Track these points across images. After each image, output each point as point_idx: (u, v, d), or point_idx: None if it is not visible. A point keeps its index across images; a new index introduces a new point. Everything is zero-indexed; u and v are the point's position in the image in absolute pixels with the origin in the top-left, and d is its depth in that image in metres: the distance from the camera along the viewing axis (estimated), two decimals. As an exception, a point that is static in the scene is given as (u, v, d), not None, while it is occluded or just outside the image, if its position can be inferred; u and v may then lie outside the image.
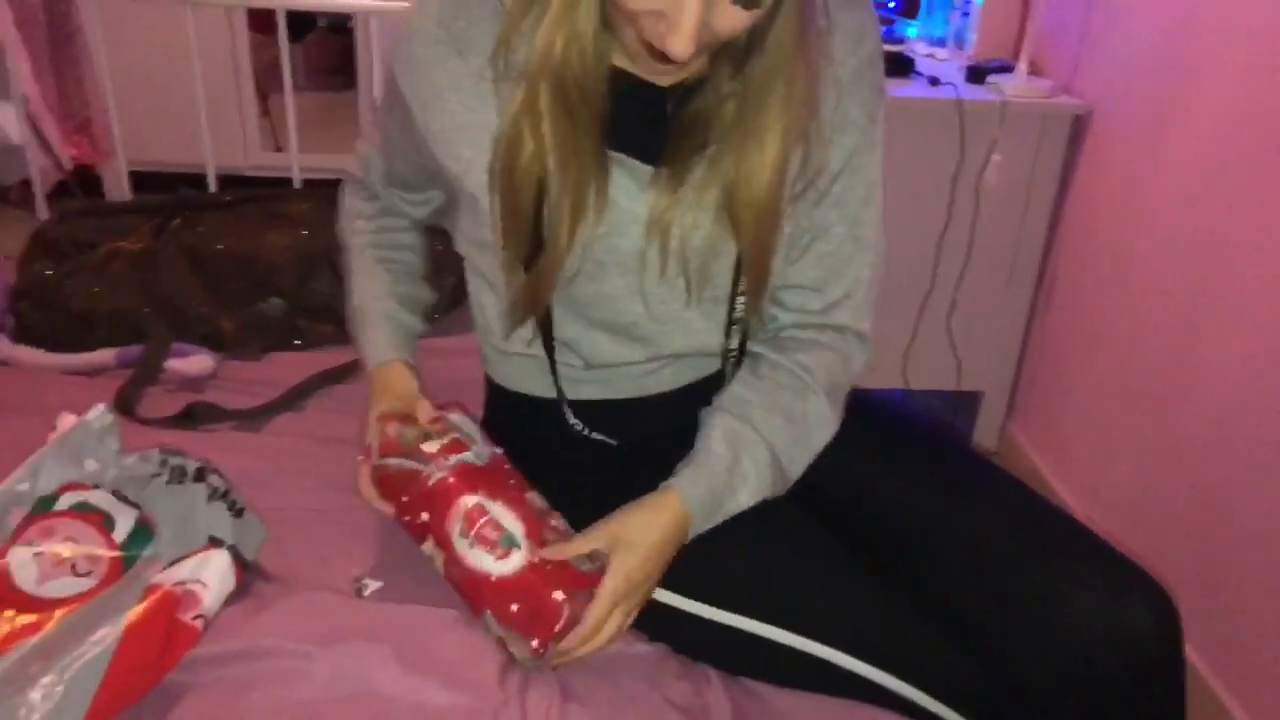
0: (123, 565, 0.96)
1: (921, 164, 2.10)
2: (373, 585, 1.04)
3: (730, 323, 1.00)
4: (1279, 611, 1.50)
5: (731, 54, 0.88)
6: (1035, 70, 2.14)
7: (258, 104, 3.32)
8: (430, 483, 0.93)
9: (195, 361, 1.44)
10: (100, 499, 0.97)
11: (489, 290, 1.05)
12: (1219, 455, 1.64)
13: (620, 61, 0.90)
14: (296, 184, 2.02)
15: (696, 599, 0.95)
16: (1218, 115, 1.68)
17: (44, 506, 0.96)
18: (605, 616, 0.89)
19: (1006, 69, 2.15)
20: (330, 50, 4.15)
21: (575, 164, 0.88)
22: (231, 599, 0.97)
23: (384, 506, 0.98)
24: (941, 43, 2.38)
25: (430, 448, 0.95)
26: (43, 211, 1.99)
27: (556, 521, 0.95)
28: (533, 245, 0.92)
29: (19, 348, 1.47)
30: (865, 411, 1.05)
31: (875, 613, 0.96)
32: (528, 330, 1.01)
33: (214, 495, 1.01)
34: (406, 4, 0.96)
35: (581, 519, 1.02)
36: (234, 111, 3.25)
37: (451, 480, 0.93)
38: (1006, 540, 0.94)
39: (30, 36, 2.84)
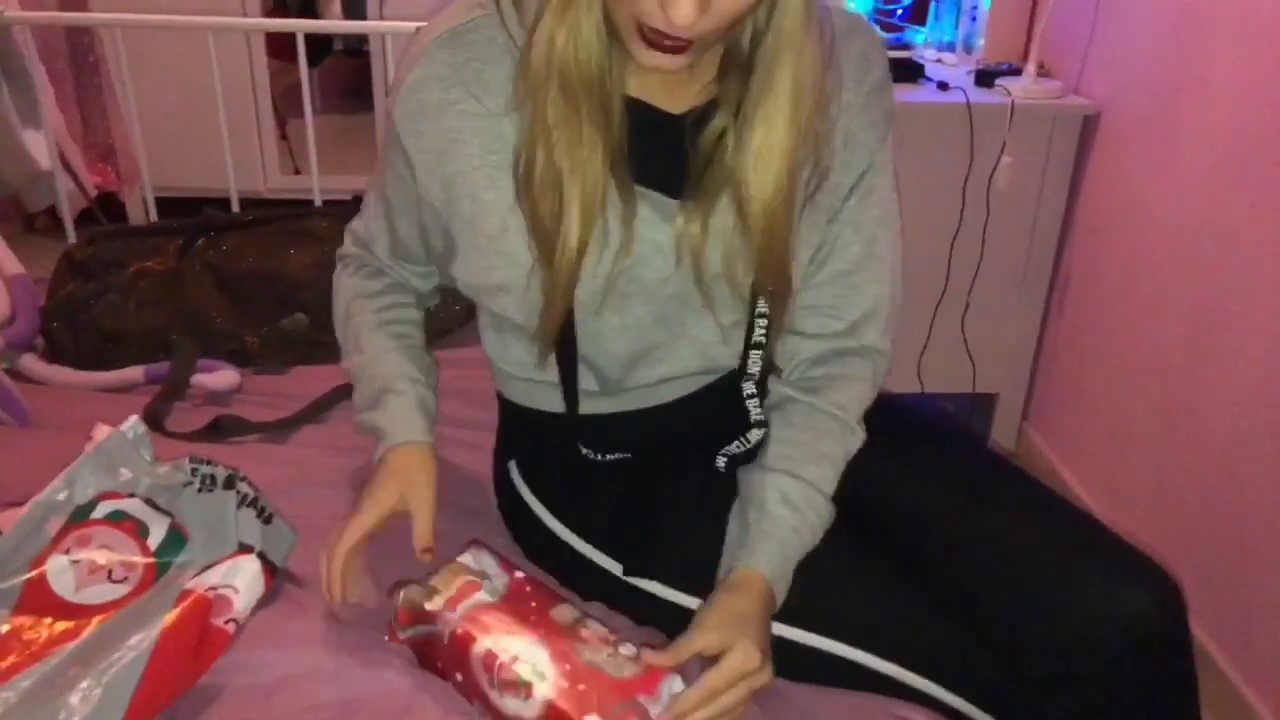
0: (156, 572, 0.98)
1: (932, 168, 2.11)
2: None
3: (749, 346, 1.00)
4: (1301, 604, 1.50)
5: (739, 69, 0.88)
6: (1044, 72, 2.15)
7: (276, 129, 3.37)
8: (445, 641, 0.88)
9: (221, 377, 1.47)
10: (134, 507, 0.99)
11: (510, 330, 1.02)
12: (1235, 452, 1.63)
13: (634, 90, 0.90)
14: (317, 205, 2.05)
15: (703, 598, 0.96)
16: (1226, 112, 1.68)
17: (81, 515, 0.98)
18: (725, 688, 0.83)
19: (1015, 72, 2.16)
20: (347, 74, 4.21)
21: (584, 169, 0.86)
22: (261, 604, 0.99)
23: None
24: (950, 47, 2.40)
25: (436, 605, 0.90)
26: (71, 237, 2.03)
27: (590, 630, 0.89)
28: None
29: (51, 367, 1.51)
30: (877, 409, 1.06)
31: (892, 608, 0.97)
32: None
33: (243, 502, 1.03)
34: (424, 24, 0.97)
35: (602, 529, 1.04)
36: (253, 136, 3.29)
37: (460, 631, 0.87)
38: (1012, 531, 0.95)
39: (53, 67, 2.90)
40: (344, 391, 1.45)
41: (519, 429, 1.12)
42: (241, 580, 0.97)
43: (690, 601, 0.97)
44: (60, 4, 2.92)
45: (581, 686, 0.82)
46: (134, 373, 1.49)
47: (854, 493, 1.02)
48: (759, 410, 1.02)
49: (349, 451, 1.32)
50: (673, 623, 0.98)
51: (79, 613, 0.93)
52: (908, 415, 1.11)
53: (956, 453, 1.07)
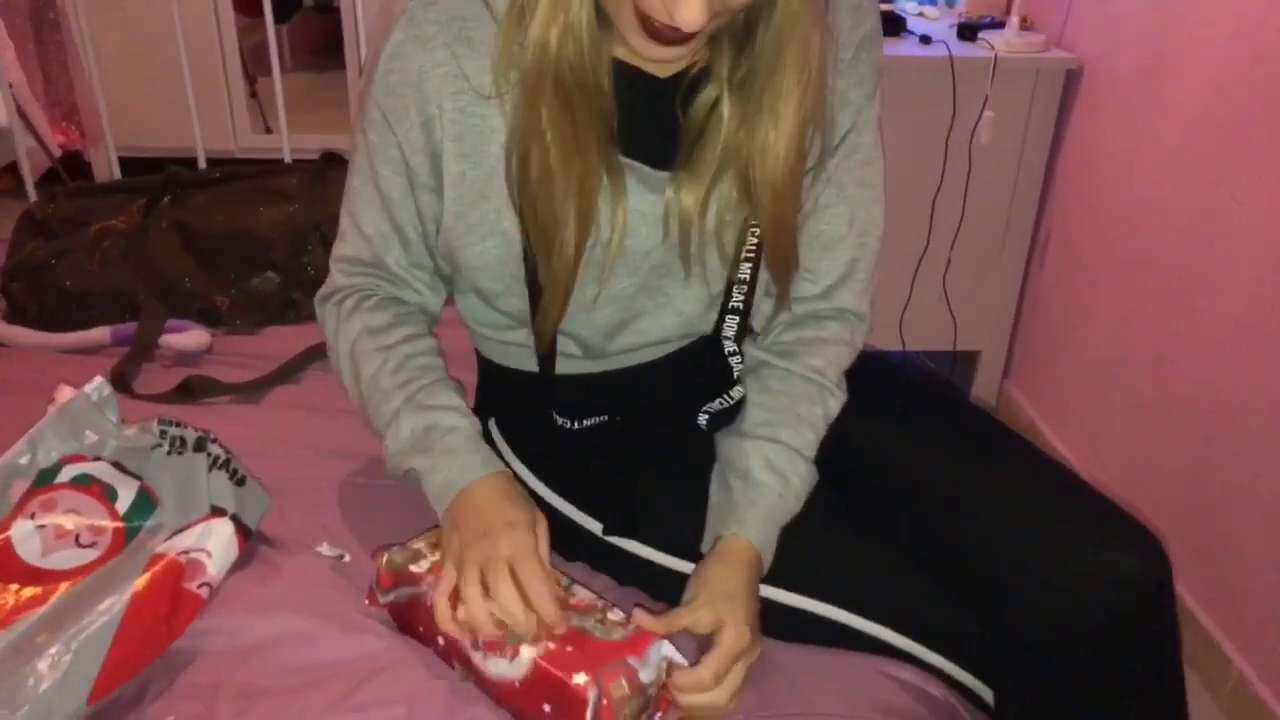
0: (126, 536, 0.96)
1: (914, 123, 2.09)
2: (337, 554, 1.04)
3: (725, 311, 0.98)
4: (1275, 558, 1.51)
5: (732, 37, 0.85)
6: (1026, 26, 2.13)
7: (246, 87, 3.30)
8: (428, 604, 0.85)
9: (191, 337, 1.44)
10: (101, 470, 0.97)
11: (486, 296, 0.99)
12: (1215, 408, 1.64)
13: (621, 54, 0.87)
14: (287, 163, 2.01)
15: (696, 561, 0.95)
16: (1209, 66, 1.67)
17: (45, 479, 0.95)
18: (726, 669, 0.82)
19: (998, 25, 2.13)
20: (317, 31, 4.14)
21: (579, 166, 0.84)
22: (235, 567, 0.98)
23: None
24: (933, 1, 2.37)
25: (420, 568, 0.88)
26: (32, 196, 1.98)
27: (578, 596, 0.86)
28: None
29: (13, 328, 1.47)
30: (861, 368, 1.05)
31: (877, 570, 0.96)
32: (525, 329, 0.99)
33: (215, 464, 1.01)
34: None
35: (583, 489, 1.02)
36: (221, 95, 3.23)
37: None
38: (996, 491, 0.94)
39: (12, 23, 2.82)
40: (317, 351, 1.43)
41: (497, 388, 1.10)
42: (214, 544, 0.96)
43: (671, 561, 0.97)
44: (17, -44, 2.84)
45: (569, 648, 0.80)
46: (100, 333, 1.45)
47: (839, 454, 1.01)
48: (741, 366, 1.00)
49: (323, 412, 1.30)
50: (655, 583, 0.97)
51: (46, 578, 0.91)
52: (891, 373, 1.11)
53: (941, 412, 1.06)
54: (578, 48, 0.80)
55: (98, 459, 0.98)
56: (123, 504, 0.97)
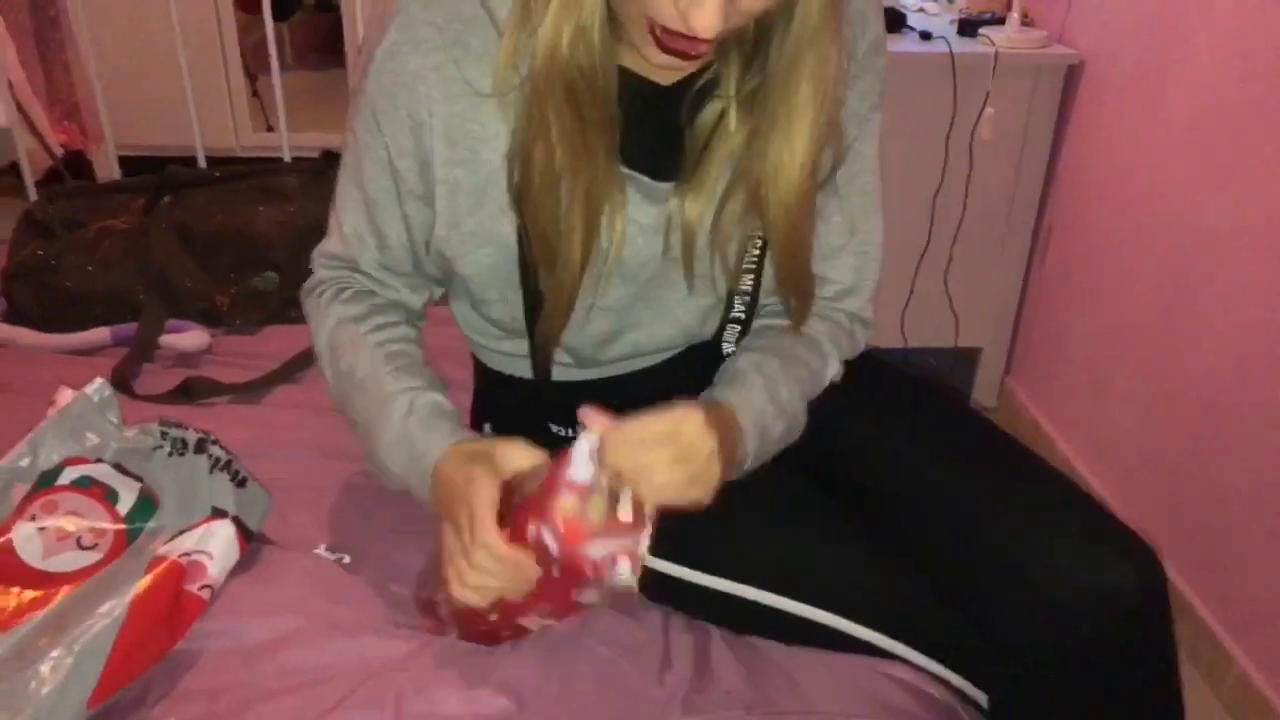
0: (127, 538, 0.96)
1: (915, 119, 2.08)
2: (337, 556, 1.04)
3: (727, 320, 0.97)
4: (1276, 552, 1.50)
5: (741, 47, 0.83)
6: (1027, 21, 2.12)
7: (247, 85, 3.30)
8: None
9: (190, 337, 1.44)
10: (102, 472, 0.97)
11: (479, 304, 0.97)
12: (1217, 403, 1.64)
13: (626, 60, 0.84)
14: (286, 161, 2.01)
15: (692, 567, 0.95)
16: (1212, 61, 1.66)
17: (46, 481, 0.96)
18: (661, 433, 0.79)
19: (998, 21, 2.13)
20: (318, 28, 4.12)
21: (586, 171, 0.82)
22: (237, 569, 0.98)
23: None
24: (933, -3, 2.36)
25: (626, 515, 0.79)
26: (32, 195, 1.97)
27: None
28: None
29: (13, 329, 1.47)
30: (859, 370, 1.04)
31: (871, 576, 0.96)
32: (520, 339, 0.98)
33: (216, 466, 1.01)
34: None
35: None
36: (223, 93, 3.22)
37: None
38: (990, 499, 0.93)
39: (13, 22, 2.82)
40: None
41: (492, 393, 1.10)
42: (216, 546, 0.96)
43: (668, 567, 0.96)
44: (17, -46, 2.83)
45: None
46: (100, 334, 1.45)
47: (833, 458, 1.01)
48: None
49: (324, 412, 1.29)
50: (653, 588, 0.96)
51: (48, 581, 0.91)
52: (889, 375, 1.10)
53: (939, 416, 1.05)
54: (589, 51, 0.78)
55: (99, 461, 0.98)
56: (124, 506, 0.97)
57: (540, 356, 0.96)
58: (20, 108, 2.58)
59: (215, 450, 1.02)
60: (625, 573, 0.78)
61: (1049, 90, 2.09)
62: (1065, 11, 2.09)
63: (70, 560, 0.93)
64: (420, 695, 0.87)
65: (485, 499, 0.79)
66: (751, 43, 0.82)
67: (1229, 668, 1.60)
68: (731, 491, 0.93)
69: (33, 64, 2.94)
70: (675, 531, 0.94)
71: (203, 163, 2.04)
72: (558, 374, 1.00)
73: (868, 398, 1.03)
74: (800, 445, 0.98)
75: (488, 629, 0.89)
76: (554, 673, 0.90)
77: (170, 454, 1.01)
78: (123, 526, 0.96)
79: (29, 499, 0.95)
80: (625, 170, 0.87)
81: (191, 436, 1.02)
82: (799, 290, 0.92)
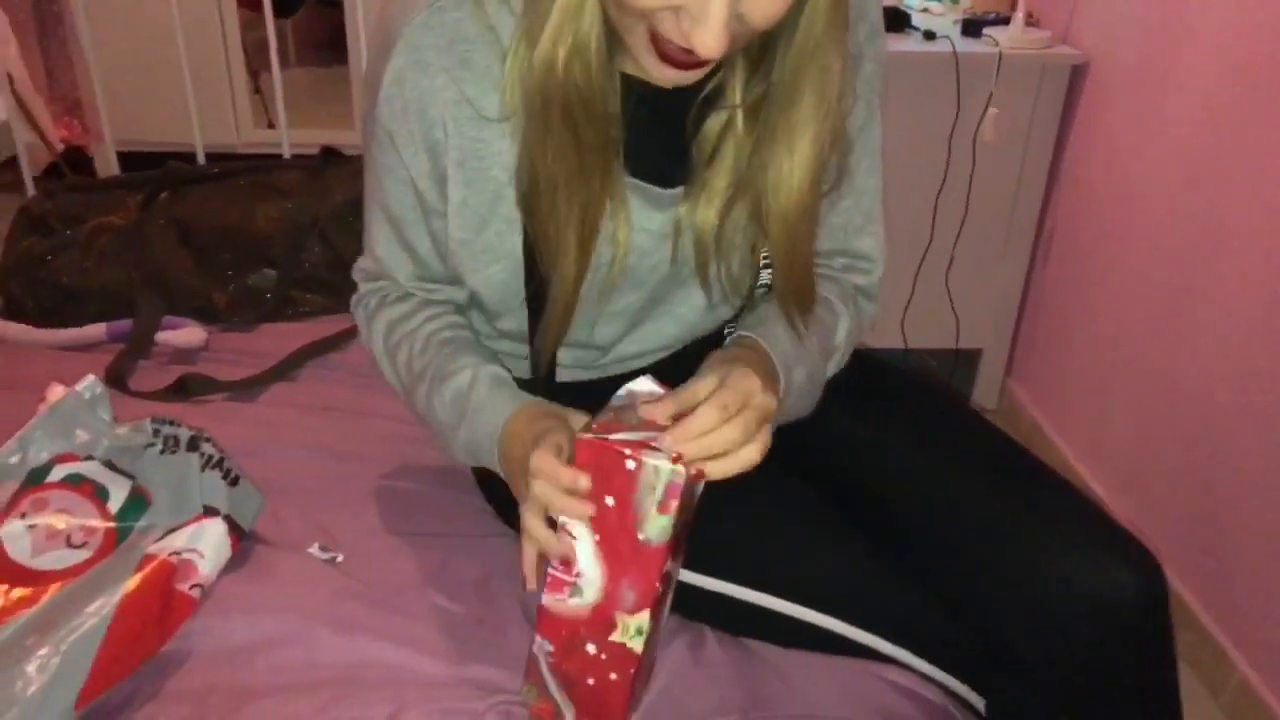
0: (117, 536, 0.95)
1: (918, 119, 2.07)
2: (330, 555, 1.03)
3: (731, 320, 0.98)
4: (1278, 558, 1.50)
5: (747, 56, 0.82)
6: (1031, 21, 2.11)
7: (249, 81, 3.29)
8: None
9: (186, 334, 1.44)
10: (93, 470, 0.96)
11: (477, 305, 0.98)
12: (1218, 407, 1.63)
13: (630, 68, 0.83)
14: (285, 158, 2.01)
15: (688, 567, 0.93)
16: (1215, 63, 1.65)
17: (36, 479, 0.95)
18: (734, 405, 0.76)
19: (1003, 21, 2.12)
20: (321, 25, 4.12)
21: (583, 192, 0.82)
22: (228, 568, 0.97)
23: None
24: (937, -3, 2.35)
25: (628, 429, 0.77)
26: (30, 191, 1.97)
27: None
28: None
29: (9, 324, 1.47)
30: (859, 371, 1.04)
31: (868, 578, 0.95)
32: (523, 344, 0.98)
33: (208, 464, 1.00)
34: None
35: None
36: (225, 89, 3.22)
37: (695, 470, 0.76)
38: (990, 503, 0.93)
39: (16, 18, 2.82)
40: (313, 349, 1.42)
41: None
42: (207, 544, 0.95)
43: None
44: (19, -51, 2.83)
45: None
46: (96, 330, 1.45)
47: (832, 460, 1.00)
48: None
49: (318, 410, 1.29)
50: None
51: (37, 579, 0.91)
52: (890, 377, 1.09)
53: (940, 419, 1.04)
54: (585, 68, 0.76)
55: (89, 458, 0.98)
56: (115, 503, 0.96)
57: (539, 362, 0.96)
58: (21, 102, 2.58)
59: (207, 448, 1.01)
60: (664, 463, 0.73)
61: (1053, 91, 2.08)
62: (1070, 12, 2.08)
63: (60, 558, 0.93)
64: (413, 695, 0.86)
65: (552, 444, 0.78)
66: (759, 52, 0.81)
67: (1229, 674, 1.59)
68: (728, 492, 0.92)
69: (35, 59, 2.95)
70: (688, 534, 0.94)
71: (202, 159, 2.03)
72: (563, 374, 1.00)
73: (867, 399, 1.02)
74: (799, 446, 0.98)
75: (584, 664, 0.81)
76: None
77: (162, 451, 1.00)
78: (113, 524, 0.96)
79: (18, 496, 0.94)
80: (630, 179, 0.87)
81: (184, 434, 1.01)
82: (799, 301, 0.91)
